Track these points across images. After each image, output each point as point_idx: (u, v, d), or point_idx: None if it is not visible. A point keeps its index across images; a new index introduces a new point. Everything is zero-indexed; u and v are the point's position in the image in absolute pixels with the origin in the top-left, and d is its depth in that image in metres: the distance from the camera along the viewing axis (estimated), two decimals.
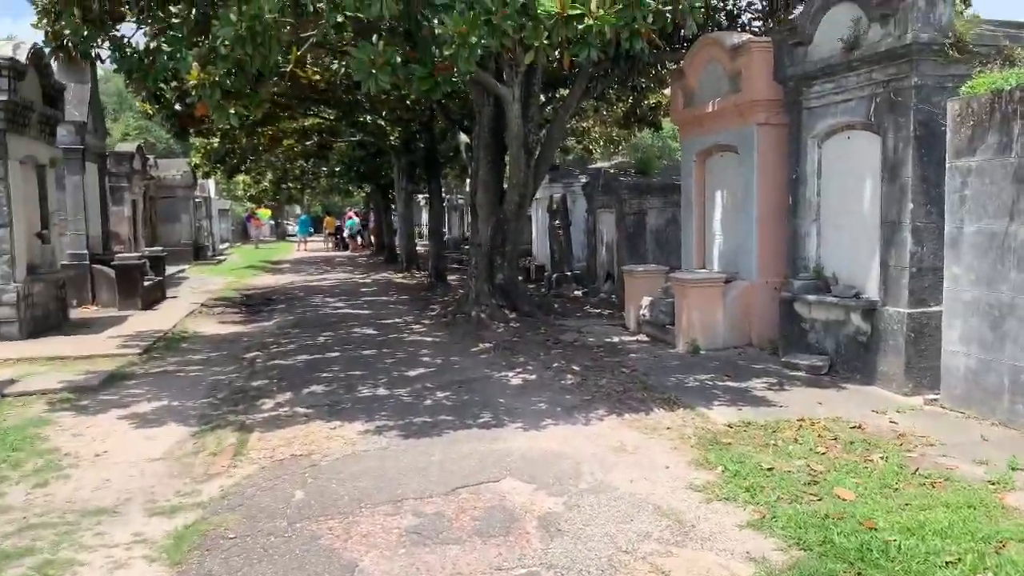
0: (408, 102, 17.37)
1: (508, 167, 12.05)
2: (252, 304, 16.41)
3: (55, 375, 8.83)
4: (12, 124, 11.16)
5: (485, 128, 12.35)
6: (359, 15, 6.41)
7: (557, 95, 14.32)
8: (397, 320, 13.25)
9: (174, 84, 6.94)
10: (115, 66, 7.57)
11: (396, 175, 22.08)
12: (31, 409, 7.49)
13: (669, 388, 7.82)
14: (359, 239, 38.80)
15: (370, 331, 12.08)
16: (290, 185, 30.72)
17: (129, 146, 19.36)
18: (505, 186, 12.63)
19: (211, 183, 34.97)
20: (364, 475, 5.43)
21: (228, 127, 7.66)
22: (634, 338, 10.77)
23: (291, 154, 22.74)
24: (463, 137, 15.00)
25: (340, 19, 6.66)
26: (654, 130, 20.10)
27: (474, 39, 6.03)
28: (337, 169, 26.49)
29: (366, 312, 14.54)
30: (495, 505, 4.87)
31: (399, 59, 6.43)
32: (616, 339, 10.69)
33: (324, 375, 8.84)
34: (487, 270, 12.34)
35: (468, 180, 14.72)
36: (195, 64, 6.75)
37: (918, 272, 7.35)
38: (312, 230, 47.95)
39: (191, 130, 10.40)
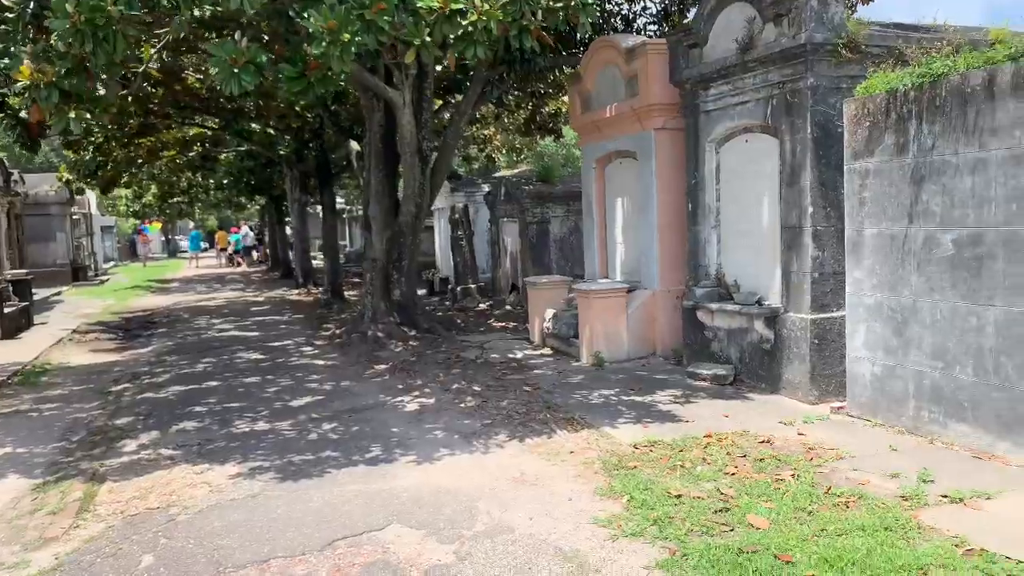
0: (297, 109, 16.54)
1: (402, 177, 11.44)
2: (131, 328, 15.19)
3: None
4: None
5: (376, 135, 11.70)
6: (218, 8, 5.73)
7: (453, 100, 13.80)
8: (287, 342, 12.41)
9: (18, 86, 6.02)
10: None
11: (288, 186, 21.06)
12: None
13: (573, 407, 7.40)
14: (254, 254, 37.20)
15: (256, 355, 11.22)
16: (177, 199, 29.03)
17: None
18: (400, 197, 12.01)
19: (92, 198, 32.78)
20: (228, 531, 4.74)
21: (71, 134, 6.77)
22: (538, 352, 10.34)
23: (174, 166, 21.37)
24: (354, 145, 14.26)
25: (197, 13, 5.95)
26: (555, 137, 19.88)
27: (347, 35, 5.45)
28: (225, 181, 25.12)
29: (254, 334, 13.60)
30: (377, 560, 4.29)
31: (264, 58, 5.77)
32: (520, 354, 10.24)
33: (198, 409, 8.01)
34: (383, 286, 11.68)
35: (361, 192, 14.02)
36: (27, 62, 5.89)
37: (820, 277, 7.19)
38: (206, 245, 45.90)
39: (40, 140, 9.32)
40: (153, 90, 14.18)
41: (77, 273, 27.56)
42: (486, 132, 22.54)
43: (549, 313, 10.63)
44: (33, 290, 20.62)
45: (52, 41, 5.82)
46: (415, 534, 4.61)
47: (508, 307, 14.77)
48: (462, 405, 7.73)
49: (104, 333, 14.58)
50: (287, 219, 25.28)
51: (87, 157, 16.45)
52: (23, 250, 20.72)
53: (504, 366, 9.50)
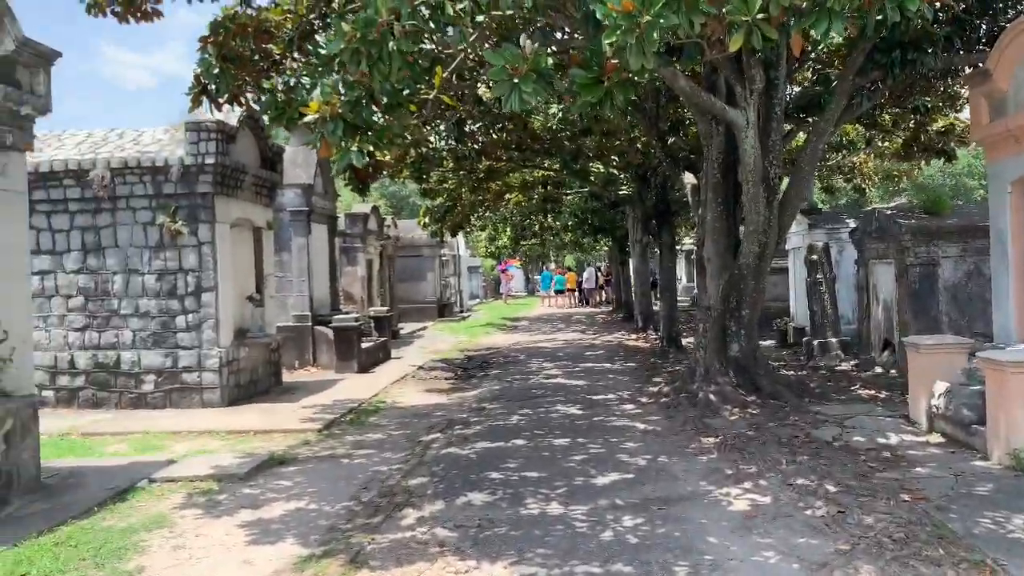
0: (639, 146, 15.59)
1: (744, 211, 9.67)
2: (468, 367, 15.37)
3: (216, 457, 8.01)
4: (221, 187, 11.03)
5: (714, 164, 10.10)
6: (494, 12, 4.74)
7: (809, 121, 11.64)
8: (611, 396, 11.23)
9: (307, 119, 5.74)
10: (258, 108, 6.62)
11: (630, 226, 20.26)
12: (164, 502, 6.57)
13: (980, 539, 5.00)
14: (600, 295, 37.83)
15: (574, 410, 10.20)
16: (530, 241, 30.10)
17: (364, 207, 19.55)
18: (741, 234, 10.22)
19: (461, 241, 35.61)
20: None
21: (356, 168, 6.31)
22: (922, 439, 7.78)
23: (520, 209, 21.85)
24: (688, 178, 12.77)
25: (480, 19, 5.05)
26: (946, 160, 16.26)
27: (648, 18, 4.06)
28: (569, 223, 25.24)
29: (580, 383, 12.69)
30: None
31: (550, 63, 4.63)
32: (895, 439, 7.79)
33: (493, 475, 7.10)
34: (718, 338, 9.94)
35: (695, 229, 12.46)
36: (316, 95, 5.50)
37: None
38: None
39: (369, 182, 9.42)
40: (495, 135, 14.24)
41: (443, 309, 29.86)
42: (855, 159, 19.52)
43: (940, 387, 7.99)
44: (401, 325, 22.51)
45: (337, 70, 5.34)
46: None
47: (879, 369, 11.99)
48: (808, 512, 5.73)
49: (444, 371, 14.87)
50: (630, 259, 24.55)
51: (438, 202, 17.25)
52: (393, 288, 22.66)
53: (872, 456, 7.19)
